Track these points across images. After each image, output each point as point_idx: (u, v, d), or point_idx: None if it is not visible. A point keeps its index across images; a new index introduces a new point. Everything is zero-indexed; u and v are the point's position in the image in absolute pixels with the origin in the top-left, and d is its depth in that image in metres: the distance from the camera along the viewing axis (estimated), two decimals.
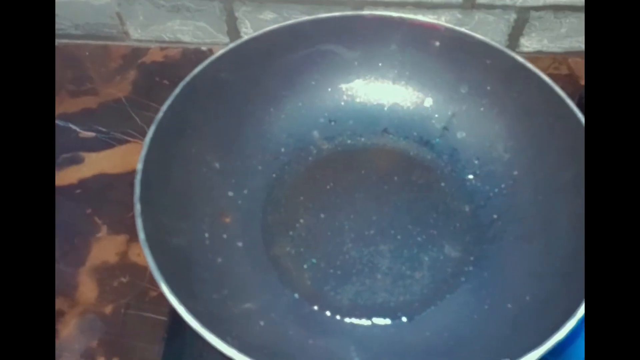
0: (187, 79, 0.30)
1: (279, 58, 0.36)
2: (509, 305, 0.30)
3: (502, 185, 0.36)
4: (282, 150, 0.37)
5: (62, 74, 0.50)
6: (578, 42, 0.51)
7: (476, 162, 0.38)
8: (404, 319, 0.31)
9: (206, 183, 0.32)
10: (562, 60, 0.52)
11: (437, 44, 0.36)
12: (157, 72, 0.51)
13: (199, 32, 0.52)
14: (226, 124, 0.34)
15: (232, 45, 0.32)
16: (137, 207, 0.24)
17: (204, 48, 0.54)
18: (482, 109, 0.38)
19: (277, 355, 0.24)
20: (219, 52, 0.32)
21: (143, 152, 0.26)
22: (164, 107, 0.28)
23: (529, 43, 0.51)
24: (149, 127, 0.47)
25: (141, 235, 0.24)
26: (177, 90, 0.29)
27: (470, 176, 0.37)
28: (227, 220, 0.32)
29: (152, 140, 0.27)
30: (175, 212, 0.29)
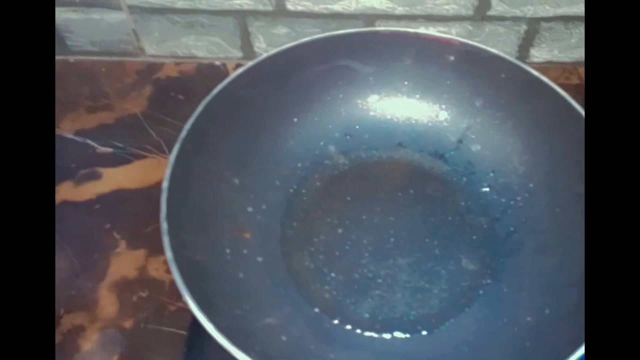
0: (208, 98, 0.31)
1: (295, 75, 0.36)
2: (529, 319, 0.30)
3: (518, 198, 0.36)
4: (299, 165, 0.38)
5: (79, 89, 0.51)
6: None
7: (491, 174, 0.38)
8: (424, 333, 0.31)
9: (226, 199, 0.33)
10: (572, 70, 0.52)
11: (452, 58, 0.37)
12: (172, 87, 0.52)
13: (213, 47, 0.53)
14: (244, 141, 0.35)
15: (250, 63, 0.33)
16: (164, 226, 0.25)
17: (217, 63, 0.54)
18: (496, 122, 0.38)
19: None
20: (238, 71, 0.32)
21: (168, 171, 0.27)
22: (187, 126, 0.29)
23: (539, 53, 0.51)
24: (165, 141, 0.48)
25: (168, 254, 0.24)
26: (199, 109, 0.30)
27: (486, 189, 0.38)
28: (247, 235, 0.33)
29: (177, 158, 0.28)
30: (197, 229, 0.29)
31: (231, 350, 0.22)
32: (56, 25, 0.51)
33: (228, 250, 0.31)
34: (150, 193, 0.44)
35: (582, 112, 0.33)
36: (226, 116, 0.33)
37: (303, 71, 0.37)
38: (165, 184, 0.26)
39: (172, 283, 0.39)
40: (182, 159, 0.28)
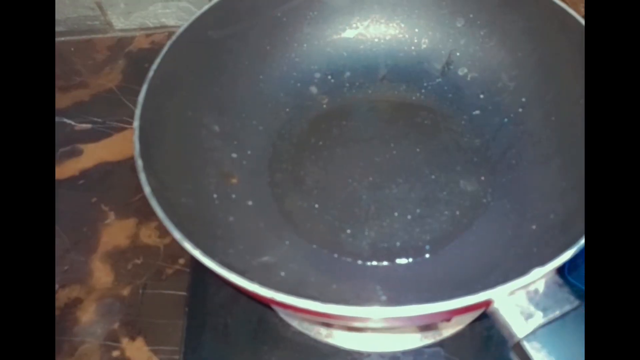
0: (174, 37, 0.29)
1: (266, 12, 0.35)
2: (534, 227, 0.29)
3: (512, 115, 0.35)
4: (282, 109, 0.36)
5: None
6: None
7: (482, 96, 0.36)
8: (427, 256, 0.30)
9: (208, 146, 0.31)
10: None
11: None
12: (145, 59, 0.50)
13: (182, 14, 0.51)
14: (219, 85, 0.33)
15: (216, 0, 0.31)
16: (139, 163, 0.24)
17: None
18: (481, 40, 0.36)
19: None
20: (203, 8, 0.31)
21: (137, 111, 0.26)
22: (154, 67, 0.28)
23: None
24: None
25: (146, 189, 0.23)
26: (165, 49, 0.28)
27: (477, 111, 0.36)
28: (234, 181, 0.31)
29: (145, 99, 0.26)
30: (178, 173, 0.28)
31: (229, 277, 0.21)
32: None
33: (215, 195, 0.30)
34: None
35: (570, 9, 0.31)
36: (197, 59, 0.31)
37: (273, 8, 0.35)
38: (136, 124, 0.25)
39: (167, 247, 0.38)
40: (153, 101, 0.27)
